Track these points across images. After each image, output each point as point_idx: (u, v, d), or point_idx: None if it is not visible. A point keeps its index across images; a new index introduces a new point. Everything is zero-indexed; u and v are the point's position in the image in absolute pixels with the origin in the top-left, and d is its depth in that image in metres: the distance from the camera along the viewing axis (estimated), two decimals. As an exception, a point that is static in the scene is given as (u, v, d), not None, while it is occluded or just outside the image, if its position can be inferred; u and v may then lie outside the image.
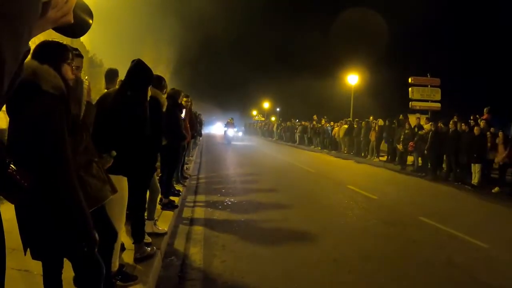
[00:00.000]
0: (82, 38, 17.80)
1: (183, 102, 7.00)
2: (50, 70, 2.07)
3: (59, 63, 2.18)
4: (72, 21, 1.02)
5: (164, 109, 4.39)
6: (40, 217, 2.06)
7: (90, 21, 1.18)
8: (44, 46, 2.24)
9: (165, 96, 4.71)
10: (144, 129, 3.50)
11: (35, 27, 0.82)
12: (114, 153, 3.11)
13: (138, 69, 3.52)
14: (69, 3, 0.98)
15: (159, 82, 4.56)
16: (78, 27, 1.12)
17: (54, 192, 2.01)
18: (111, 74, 4.78)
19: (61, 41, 2.30)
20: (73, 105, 2.17)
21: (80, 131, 2.32)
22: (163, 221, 5.46)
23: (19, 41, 0.73)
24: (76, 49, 2.68)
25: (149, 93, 3.82)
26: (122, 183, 3.40)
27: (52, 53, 2.19)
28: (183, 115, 6.94)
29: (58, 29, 1.07)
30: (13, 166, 1.44)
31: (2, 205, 1.84)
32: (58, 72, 2.12)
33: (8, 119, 2.11)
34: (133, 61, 3.59)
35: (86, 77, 2.76)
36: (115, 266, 3.32)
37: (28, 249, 2.18)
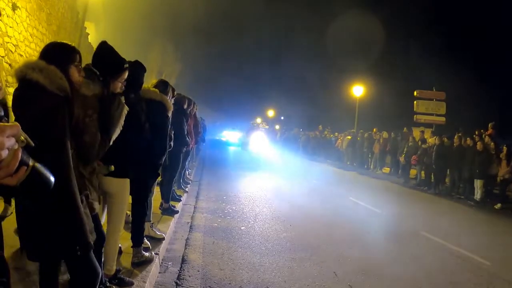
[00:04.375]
0: (90, 39, 17.93)
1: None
2: (57, 71, 2.08)
3: (67, 65, 2.18)
4: (15, 184, 1.07)
5: (169, 114, 4.37)
6: (38, 218, 2.03)
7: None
8: (53, 47, 2.25)
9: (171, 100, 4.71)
10: (141, 132, 3.43)
11: None
12: (112, 167, 3.06)
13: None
14: (11, 165, 1.02)
15: (164, 86, 4.57)
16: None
17: (54, 194, 1.98)
18: None
19: (69, 43, 2.31)
20: (76, 107, 2.16)
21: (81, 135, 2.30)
22: (163, 226, 5.42)
23: None
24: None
25: (150, 95, 3.80)
26: (124, 186, 3.37)
27: (60, 55, 2.20)
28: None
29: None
30: None
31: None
32: (65, 73, 2.13)
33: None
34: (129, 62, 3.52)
35: None
36: (112, 270, 3.29)
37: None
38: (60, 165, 1.98)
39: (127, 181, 3.42)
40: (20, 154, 1.04)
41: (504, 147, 11.16)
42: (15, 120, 2.06)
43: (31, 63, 2.07)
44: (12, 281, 3.02)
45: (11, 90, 6.80)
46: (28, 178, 1.11)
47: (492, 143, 11.69)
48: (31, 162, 1.12)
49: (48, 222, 2.01)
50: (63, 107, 2.03)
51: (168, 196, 6.37)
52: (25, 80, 1.99)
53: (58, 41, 2.35)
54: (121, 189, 3.36)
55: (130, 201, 3.90)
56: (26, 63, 2.09)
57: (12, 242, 2.51)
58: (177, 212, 6.40)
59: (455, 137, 12.95)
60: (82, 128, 2.25)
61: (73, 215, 2.05)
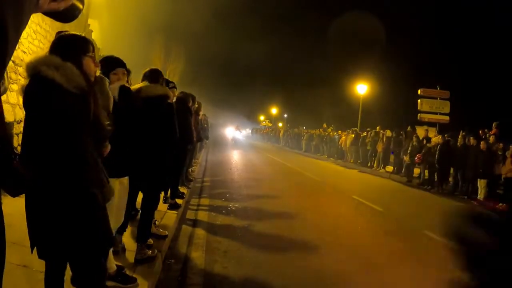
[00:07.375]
0: (93, 35, 17.93)
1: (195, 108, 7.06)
2: (73, 68, 2.00)
3: (81, 58, 2.11)
4: (61, 9, 1.08)
5: (169, 100, 4.23)
6: (54, 216, 1.99)
7: (81, 6, 1.19)
8: (64, 40, 2.14)
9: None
10: (132, 126, 3.38)
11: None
12: None
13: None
14: None
15: (156, 75, 4.17)
16: (69, 12, 1.13)
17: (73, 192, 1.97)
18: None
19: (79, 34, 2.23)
20: (93, 102, 2.10)
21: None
22: (166, 223, 5.42)
23: (20, 12, 0.79)
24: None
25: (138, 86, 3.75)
26: (120, 184, 3.35)
27: (73, 48, 2.11)
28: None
29: (49, 14, 1.07)
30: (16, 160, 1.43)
31: (4, 199, 1.81)
32: (80, 67, 2.06)
33: (15, 111, 2.08)
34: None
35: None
36: (112, 268, 3.27)
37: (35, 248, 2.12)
38: (78, 164, 1.96)
39: (125, 180, 3.41)
40: None
41: (511, 146, 11.04)
42: (29, 118, 2.02)
43: (45, 59, 1.97)
44: (14, 277, 3.03)
45: (14, 86, 6.69)
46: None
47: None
48: None
49: (69, 220, 1.98)
50: (79, 106, 1.98)
51: (174, 192, 6.44)
52: (39, 77, 1.91)
53: (67, 32, 2.21)
54: (120, 188, 3.34)
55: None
56: (39, 59, 1.98)
57: (16, 239, 2.51)
58: (179, 206, 6.48)
59: (459, 136, 12.88)
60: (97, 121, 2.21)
61: (93, 212, 2.04)
